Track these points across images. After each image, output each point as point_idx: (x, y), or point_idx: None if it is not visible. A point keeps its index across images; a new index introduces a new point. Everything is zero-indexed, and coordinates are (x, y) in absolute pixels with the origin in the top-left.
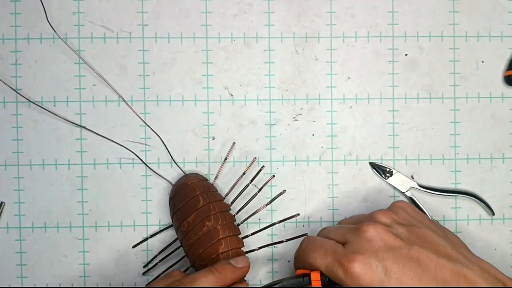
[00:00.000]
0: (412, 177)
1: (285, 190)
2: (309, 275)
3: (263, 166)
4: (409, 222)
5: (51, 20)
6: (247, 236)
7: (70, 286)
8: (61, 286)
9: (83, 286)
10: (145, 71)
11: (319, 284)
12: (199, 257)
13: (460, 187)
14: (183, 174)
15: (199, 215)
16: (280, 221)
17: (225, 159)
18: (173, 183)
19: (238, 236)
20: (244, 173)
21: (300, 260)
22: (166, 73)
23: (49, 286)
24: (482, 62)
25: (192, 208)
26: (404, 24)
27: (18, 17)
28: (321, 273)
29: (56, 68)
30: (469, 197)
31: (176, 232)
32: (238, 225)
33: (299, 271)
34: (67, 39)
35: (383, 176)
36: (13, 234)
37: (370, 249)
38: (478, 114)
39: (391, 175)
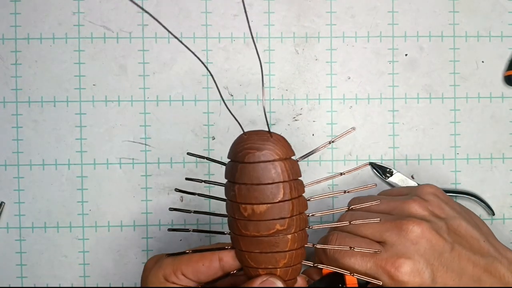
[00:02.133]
0: (412, 177)
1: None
2: (342, 277)
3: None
4: (444, 213)
5: (51, 20)
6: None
7: (70, 286)
8: (61, 286)
9: (83, 286)
10: (145, 71)
11: (355, 283)
12: (251, 256)
13: (460, 187)
14: (267, 131)
15: (272, 212)
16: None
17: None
18: (246, 133)
19: (305, 244)
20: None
21: (332, 261)
22: (166, 73)
23: (49, 286)
24: (482, 62)
25: (266, 198)
26: (404, 24)
27: (18, 17)
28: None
29: (56, 68)
30: (469, 197)
31: (228, 203)
32: (309, 227)
33: (327, 271)
34: (67, 39)
35: (383, 176)
36: (13, 234)
37: (416, 252)
38: (478, 114)
39: (391, 175)
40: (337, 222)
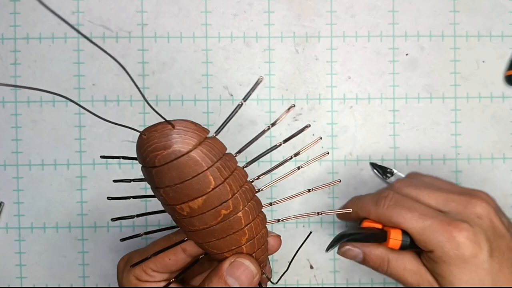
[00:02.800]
0: None
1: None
2: (384, 231)
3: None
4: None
5: (50, 19)
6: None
7: (69, 286)
8: (60, 286)
9: (82, 286)
10: (144, 70)
11: (398, 244)
12: (211, 245)
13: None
14: (166, 121)
15: (210, 201)
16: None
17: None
18: (144, 133)
19: (261, 209)
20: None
21: (384, 215)
22: (165, 73)
23: (48, 286)
24: (483, 62)
25: (198, 191)
26: (405, 24)
27: (17, 17)
28: (403, 233)
29: (55, 68)
30: None
31: (163, 205)
32: (258, 190)
33: (368, 224)
34: (66, 39)
35: (384, 176)
36: (12, 234)
37: (480, 226)
38: (479, 114)
39: (392, 175)
40: (387, 187)
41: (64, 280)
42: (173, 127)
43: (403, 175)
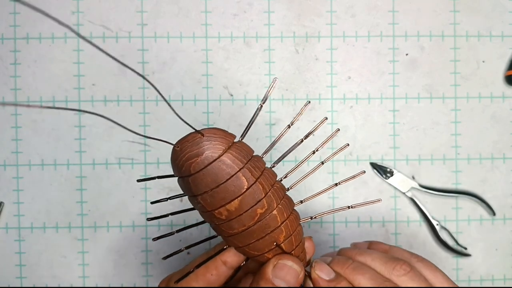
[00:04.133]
0: (413, 177)
1: (326, 118)
2: None
3: (325, 118)
4: None
5: (50, 20)
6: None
7: (69, 286)
8: (60, 286)
9: (82, 286)
10: (144, 70)
11: None
12: (251, 247)
13: (461, 187)
14: (196, 131)
15: (246, 202)
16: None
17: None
18: (177, 145)
19: (294, 207)
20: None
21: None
22: (165, 73)
23: (48, 286)
24: (483, 62)
25: (233, 193)
26: (405, 24)
27: (17, 17)
28: None
29: (55, 68)
30: (470, 197)
31: (201, 214)
32: (288, 189)
33: None
34: (66, 39)
35: (384, 176)
36: (12, 234)
37: None
38: (479, 114)
39: (392, 175)
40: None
41: (64, 280)
42: (203, 135)
43: (403, 175)
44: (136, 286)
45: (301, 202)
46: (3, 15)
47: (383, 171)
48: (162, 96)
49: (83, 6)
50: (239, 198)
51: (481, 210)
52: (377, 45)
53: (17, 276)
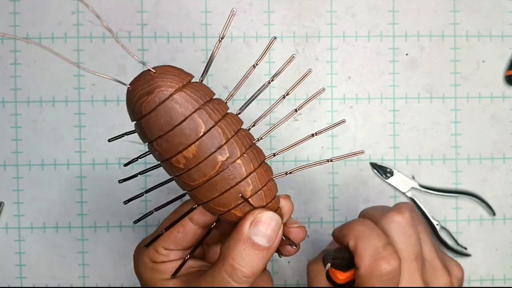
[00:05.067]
0: (413, 177)
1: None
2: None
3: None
4: None
5: (50, 19)
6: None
7: (69, 286)
8: (60, 286)
9: (82, 286)
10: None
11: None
12: (216, 202)
13: (461, 187)
14: (147, 69)
15: (204, 147)
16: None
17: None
18: (130, 84)
19: (264, 159)
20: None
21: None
22: None
23: (48, 286)
24: (483, 62)
25: (189, 137)
26: (405, 24)
27: (17, 17)
28: None
29: (55, 68)
30: (470, 197)
31: (162, 165)
32: (258, 139)
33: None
34: (66, 39)
35: (384, 176)
36: (12, 234)
37: None
38: (479, 114)
39: (392, 175)
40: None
41: (64, 280)
42: (155, 72)
43: (403, 175)
44: (136, 286)
45: (274, 155)
46: (3, 15)
47: (383, 171)
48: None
49: (83, 6)
50: (196, 143)
51: (481, 210)
52: (377, 45)
53: (17, 276)
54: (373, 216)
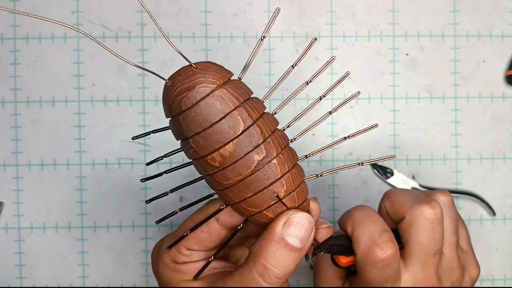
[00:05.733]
0: (413, 177)
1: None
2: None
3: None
4: None
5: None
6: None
7: (69, 286)
8: (60, 286)
9: (82, 286)
10: (144, 70)
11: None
12: (248, 202)
13: (461, 187)
14: (189, 64)
15: (242, 146)
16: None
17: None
18: (168, 79)
19: (297, 161)
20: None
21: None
22: (165, 73)
23: (48, 286)
24: (483, 62)
25: (228, 135)
26: (405, 24)
27: (17, 17)
28: None
29: (55, 68)
30: (470, 197)
31: (194, 163)
32: (292, 140)
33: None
34: (66, 39)
35: (384, 176)
36: (12, 234)
37: None
38: (479, 114)
39: (392, 175)
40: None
41: (64, 280)
42: (196, 68)
43: (403, 175)
44: (136, 286)
45: (306, 156)
46: (3, 15)
47: (383, 171)
48: (162, 32)
49: (83, 6)
50: (234, 141)
51: (481, 210)
52: (377, 45)
53: (17, 276)
54: (403, 203)
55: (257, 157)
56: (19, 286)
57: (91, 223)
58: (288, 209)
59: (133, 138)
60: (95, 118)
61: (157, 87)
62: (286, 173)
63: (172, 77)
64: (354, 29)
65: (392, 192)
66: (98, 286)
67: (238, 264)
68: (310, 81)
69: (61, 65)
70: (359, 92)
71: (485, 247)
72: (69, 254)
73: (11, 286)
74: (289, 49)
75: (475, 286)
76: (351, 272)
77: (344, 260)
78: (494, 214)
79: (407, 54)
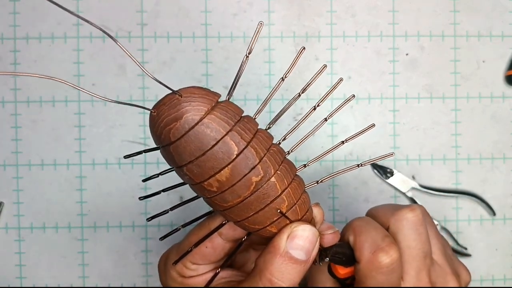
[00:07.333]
0: (413, 177)
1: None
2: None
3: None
4: None
5: (50, 19)
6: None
7: (69, 286)
8: (60, 286)
9: (82, 286)
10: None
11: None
12: (251, 220)
13: (461, 187)
14: (172, 92)
15: (238, 170)
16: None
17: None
18: (153, 109)
19: (296, 172)
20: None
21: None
22: (165, 73)
23: (48, 286)
24: (483, 61)
25: (222, 161)
26: (405, 24)
27: (17, 17)
28: None
29: (55, 68)
30: (470, 197)
31: (191, 187)
32: (288, 153)
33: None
34: (66, 39)
35: (384, 176)
36: (12, 234)
37: None
38: (479, 114)
39: (392, 175)
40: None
41: (64, 280)
42: (181, 96)
43: (403, 175)
44: (136, 286)
45: (305, 166)
46: (3, 15)
47: (383, 171)
48: (131, 57)
49: (83, 6)
50: (229, 166)
51: (481, 210)
52: (377, 45)
53: (17, 276)
54: (384, 213)
55: (255, 178)
56: (19, 286)
57: (91, 223)
58: (291, 222)
59: (125, 157)
60: (95, 118)
61: (158, 87)
62: (286, 188)
63: (157, 107)
64: (354, 29)
65: (372, 209)
66: (98, 286)
67: (244, 268)
68: (303, 92)
69: (61, 65)
70: (353, 96)
71: (485, 247)
72: (69, 254)
73: (11, 286)
74: (289, 49)
75: (475, 286)
76: (347, 286)
77: (342, 271)
78: (494, 214)
79: (407, 54)
